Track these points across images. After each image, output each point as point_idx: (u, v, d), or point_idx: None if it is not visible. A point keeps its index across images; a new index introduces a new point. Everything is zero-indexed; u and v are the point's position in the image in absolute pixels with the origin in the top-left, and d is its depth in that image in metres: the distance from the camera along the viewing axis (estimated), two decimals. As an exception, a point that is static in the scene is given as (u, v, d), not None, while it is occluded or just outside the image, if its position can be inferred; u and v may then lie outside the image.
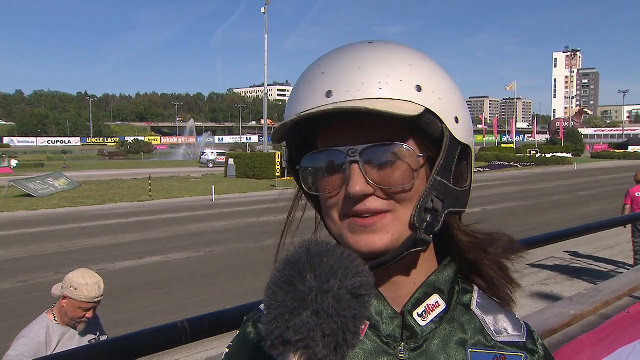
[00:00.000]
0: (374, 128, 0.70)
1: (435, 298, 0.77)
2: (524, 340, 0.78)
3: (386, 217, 0.70)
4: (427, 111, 0.70)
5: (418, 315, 0.75)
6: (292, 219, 0.82)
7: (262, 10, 38.70)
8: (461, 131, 0.74)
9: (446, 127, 0.71)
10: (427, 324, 0.75)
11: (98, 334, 3.33)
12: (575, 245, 10.48)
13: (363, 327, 0.59)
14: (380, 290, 0.76)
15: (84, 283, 3.05)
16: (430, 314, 0.76)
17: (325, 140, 0.73)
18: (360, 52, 0.72)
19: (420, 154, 0.71)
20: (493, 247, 0.79)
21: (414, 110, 0.68)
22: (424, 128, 0.71)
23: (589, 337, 2.30)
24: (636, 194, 9.46)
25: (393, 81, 0.69)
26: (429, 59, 0.76)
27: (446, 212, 0.73)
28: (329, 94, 0.70)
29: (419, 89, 0.70)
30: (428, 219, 0.71)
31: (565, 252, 10.33)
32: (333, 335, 0.55)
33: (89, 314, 3.11)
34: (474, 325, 0.77)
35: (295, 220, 0.82)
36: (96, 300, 3.10)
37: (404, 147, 0.70)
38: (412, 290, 0.76)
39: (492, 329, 0.78)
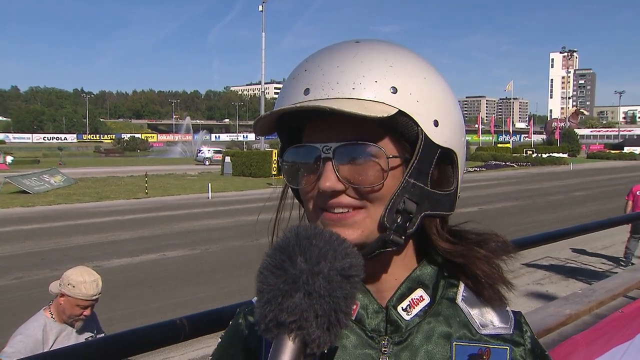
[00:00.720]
0: (350, 126, 0.71)
1: (419, 292, 0.78)
2: (511, 332, 0.79)
3: (358, 214, 0.72)
4: (401, 113, 0.70)
5: (402, 309, 0.77)
6: (282, 212, 0.83)
7: (260, 8, 38.71)
8: (442, 134, 0.74)
9: (421, 129, 0.72)
10: (411, 317, 0.76)
11: (95, 331, 3.32)
12: (570, 245, 10.53)
13: (354, 307, 0.60)
14: (365, 285, 0.77)
15: (82, 280, 3.04)
16: (414, 308, 0.77)
17: (308, 135, 0.76)
18: (343, 52, 0.73)
19: (392, 155, 0.71)
20: (484, 247, 0.79)
21: (383, 112, 0.68)
22: (399, 129, 0.71)
23: (584, 337, 2.32)
24: (637, 192, 9.53)
25: (367, 82, 0.70)
26: (416, 60, 0.76)
27: (422, 215, 0.73)
28: (306, 91, 0.72)
29: (394, 90, 0.71)
30: (399, 220, 0.71)
31: (560, 252, 10.37)
32: (325, 315, 0.57)
33: (87, 312, 3.11)
34: (459, 319, 0.78)
35: (286, 217, 0.83)
36: (94, 298, 3.10)
37: (375, 147, 0.71)
38: (395, 285, 0.78)
39: (477, 322, 0.78)
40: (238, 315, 0.83)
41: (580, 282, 8.72)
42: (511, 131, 70.94)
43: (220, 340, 0.83)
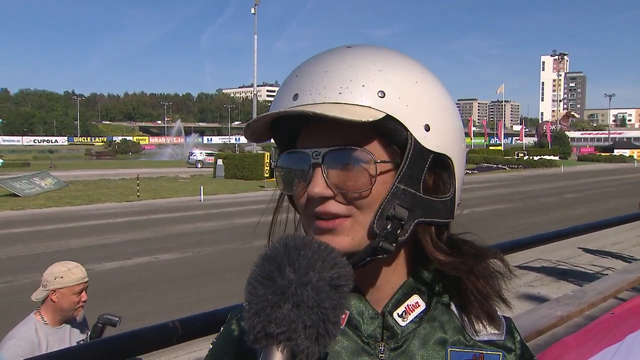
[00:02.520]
0: (340, 131, 0.70)
1: (415, 298, 0.78)
2: (503, 338, 0.79)
3: (347, 221, 0.71)
4: (390, 117, 0.69)
5: (398, 315, 0.76)
6: (278, 218, 0.82)
7: (252, 10, 38.70)
8: (433, 139, 0.72)
9: (410, 134, 0.71)
10: (407, 324, 0.76)
11: (87, 335, 3.30)
12: (561, 247, 10.56)
13: (343, 316, 0.60)
14: (360, 292, 0.77)
15: (66, 269, 3.08)
16: (410, 314, 0.77)
17: (300, 141, 0.75)
18: (333, 58, 0.73)
19: (381, 160, 0.70)
20: (480, 262, 0.77)
21: (369, 116, 0.67)
22: (389, 134, 0.71)
23: (575, 338, 2.34)
24: None
25: (354, 86, 0.70)
26: (408, 63, 0.75)
27: (415, 221, 0.72)
28: (295, 96, 0.72)
29: (382, 94, 0.70)
30: (389, 227, 0.70)
31: (552, 253, 10.41)
32: (314, 326, 0.57)
33: (84, 296, 3.12)
34: (454, 325, 0.78)
35: (285, 220, 0.83)
36: (85, 280, 3.13)
37: (363, 152, 0.70)
38: (390, 292, 0.77)
39: (471, 328, 0.78)
40: (230, 321, 0.82)
41: (572, 284, 8.77)
42: (502, 134, 71.31)
43: (212, 346, 0.82)
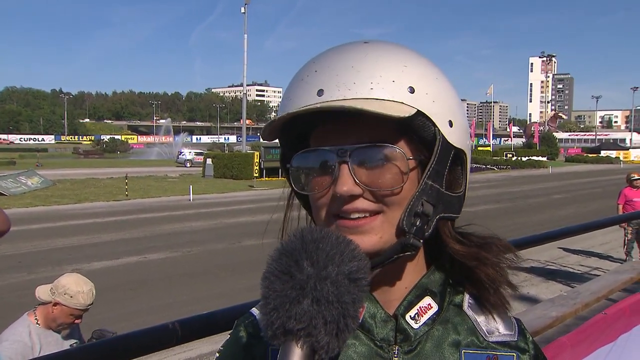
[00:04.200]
0: (365, 128, 0.69)
1: (427, 300, 0.77)
2: (516, 339, 0.79)
3: (376, 219, 0.70)
4: (419, 113, 0.69)
5: (411, 317, 0.76)
6: (289, 219, 0.81)
7: (242, 10, 38.57)
8: (455, 135, 0.73)
9: (439, 130, 0.71)
10: (420, 326, 0.76)
11: (79, 338, 3.26)
12: (550, 247, 10.65)
13: (361, 309, 0.59)
14: (372, 294, 0.76)
15: (80, 291, 2.99)
16: (422, 316, 0.76)
17: (317, 139, 0.73)
18: (355, 52, 0.71)
19: (411, 157, 0.70)
20: (487, 251, 0.78)
21: (404, 112, 0.67)
22: (416, 130, 0.70)
23: (570, 339, 2.35)
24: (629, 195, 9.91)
25: (385, 82, 0.69)
26: (425, 60, 0.75)
27: (438, 217, 0.72)
28: (320, 92, 0.69)
29: (411, 90, 0.69)
30: (418, 224, 0.70)
31: (541, 254, 10.48)
32: (335, 321, 0.56)
33: (79, 321, 3.07)
34: (467, 326, 0.78)
35: (291, 219, 0.81)
36: (87, 308, 3.06)
37: (395, 149, 0.69)
38: (403, 293, 0.77)
39: (484, 329, 0.78)
40: (238, 328, 0.81)
41: (560, 284, 8.84)
42: (491, 135, 71.79)
43: (218, 354, 0.80)
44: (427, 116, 0.70)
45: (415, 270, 0.78)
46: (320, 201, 0.73)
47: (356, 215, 0.70)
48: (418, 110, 0.69)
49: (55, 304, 2.99)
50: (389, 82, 0.69)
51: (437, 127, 0.71)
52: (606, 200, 18.61)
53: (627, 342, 2.67)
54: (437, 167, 0.71)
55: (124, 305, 7.80)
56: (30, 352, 2.87)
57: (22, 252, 11.26)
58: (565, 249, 11.20)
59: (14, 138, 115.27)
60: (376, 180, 0.69)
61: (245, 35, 39.16)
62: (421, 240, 0.71)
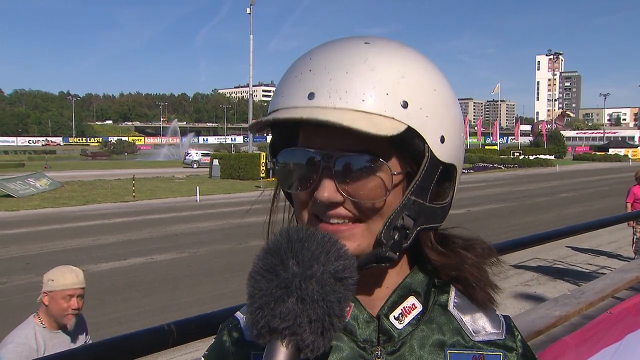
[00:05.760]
0: (355, 136, 0.64)
1: (411, 300, 0.76)
2: (503, 337, 0.78)
3: (357, 228, 0.69)
4: (410, 129, 0.67)
5: (394, 318, 0.75)
6: (275, 214, 0.80)
7: (248, 10, 38.63)
8: (446, 150, 0.71)
9: (428, 147, 0.69)
10: (404, 326, 0.75)
11: (86, 338, 3.26)
12: (557, 246, 10.59)
13: (348, 309, 0.60)
14: (355, 295, 0.74)
15: (60, 273, 3.01)
16: (406, 316, 0.75)
17: (305, 137, 0.71)
18: (352, 55, 0.68)
19: (396, 172, 0.68)
20: (470, 252, 0.78)
21: (393, 129, 0.65)
22: (405, 145, 0.68)
23: (574, 338, 2.32)
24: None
25: (378, 94, 0.66)
26: (428, 68, 0.72)
27: (418, 229, 0.71)
28: (311, 95, 0.67)
29: (405, 104, 0.67)
30: (396, 237, 0.68)
31: (548, 252, 10.43)
32: (319, 320, 0.56)
33: (73, 303, 3.00)
34: (452, 326, 0.77)
35: (281, 220, 0.80)
36: (76, 287, 3.00)
37: (380, 162, 0.67)
38: (387, 293, 0.76)
39: (470, 328, 0.77)
40: (222, 332, 0.80)
41: (568, 283, 8.79)
42: (498, 133, 71.49)
43: (203, 358, 0.80)
44: (417, 132, 0.68)
45: (397, 272, 0.77)
46: (302, 201, 0.72)
47: (336, 221, 0.69)
48: (408, 126, 0.67)
49: (45, 295, 2.98)
50: (382, 95, 0.66)
51: (426, 143, 0.69)
52: (614, 199, 18.45)
53: (633, 342, 2.64)
54: (422, 183, 0.69)
55: (130, 306, 7.83)
56: (35, 354, 2.84)
57: (30, 254, 11.33)
58: (572, 248, 11.13)
59: (23, 141, 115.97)
60: (358, 191, 0.67)
61: (251, 35, 39.27)
62: (397, 254, 0.69)
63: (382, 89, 0.66)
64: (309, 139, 0.70)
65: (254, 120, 0.71)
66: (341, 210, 0.69)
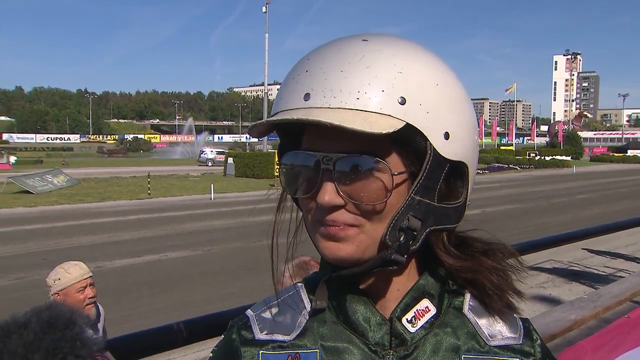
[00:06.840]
0: (353, 136, 0.63)
1: (425, 303, 0.74)
2: (520, 342, 0.76)
3: (352, 230, 0.67)
4: (409, 126, 0.64)
5: (407, 321, 0.73)
6: (281, 216, 0.77)
7: (264, 9, 38.71)
8: (452, 148, 0.68)
9: (430, 144, 0.66)
10: (417, 329, 0.73)
11: (102, 331, 3.30)
12: (573, 248, 10.45)
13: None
14: (367, 296, 0.73)
15: (63, 270, 3.06)
16: (420, 319, 0.73)
17: (308, 140, 0.70)
18: (348, 53, 0.67)
19: (397, 172, 0.66)
20: (491, 257, 0.75)
21: (390, 127, 0.62)
22: (407, 142, 0.66)
23: (590, 342, 2.29)
24: None
25: (373, 91, 0.64)
26: (429, 62, 0.69)
27: (427, 230, 0.68)
28: (306, 96, 0.66)
29: (402, 101, 0.64)
30: (402, 239, 0.66)
31: (564, 254, 10.30)
32: None
33: (88, 292, 3.07)
34: (467, 330, 0.75)
35: (287, 220, 0.78)
36: (85, 277, 3.07)
37: (380, 162, 0.65)
38: (400, 295, 0.74)
39: (486, 332, 0.75)
40: (232, 329, 0.79)
41: (584, 286, 8.66)
42: (514, 133, 70.88)
43: (212, 354, 0.79)
44: (417, 129, 0.66)
45: (410, 274, 0.75)
46: (306, 204, 0.71)
47: (338, 224, 0.67)
48: (407, 123, 0.65)
49: (57, 295, 3.02)
50: (378, 92, 0.64)
51: (428, 140, 0.66)
52: (633, 201, 18.22)
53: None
54: (426, 182, 0.67)
55: (144, 303, 7.88)
56: None
57: (47, 249, 11.47)
58: (589, 250, 10.97)
59: (41, 138, 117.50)
60: (358, 192, 0.66)
61: (267, 34, 39.34)
62: (405, 256, 0.67)
63: (378, 86, 0.64)
64: (311, 141, 0.69)
65: (252, 124, 0.69)
66: (340, 216, 0.67)
